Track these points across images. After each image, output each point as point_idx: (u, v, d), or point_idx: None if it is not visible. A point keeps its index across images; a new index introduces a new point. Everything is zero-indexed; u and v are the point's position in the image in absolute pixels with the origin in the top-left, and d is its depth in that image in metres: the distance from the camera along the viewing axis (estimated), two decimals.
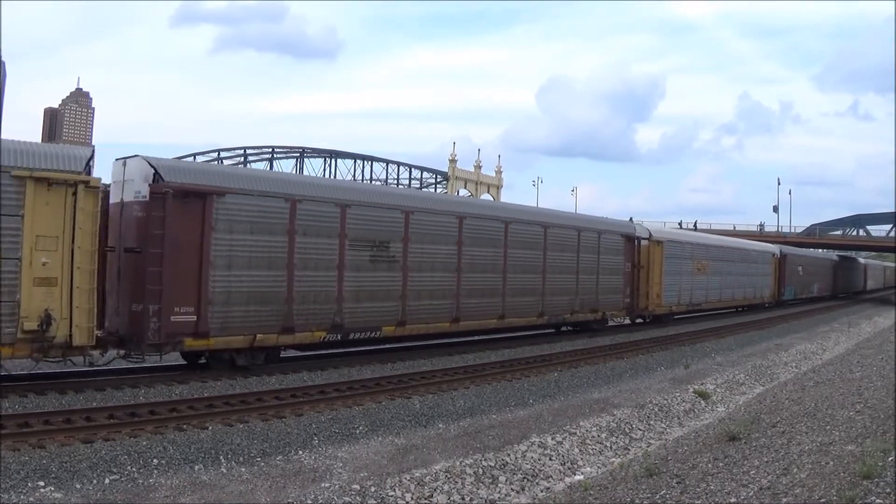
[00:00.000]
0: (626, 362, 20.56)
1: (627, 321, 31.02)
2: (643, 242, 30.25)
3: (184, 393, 13.54)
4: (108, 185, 14.68)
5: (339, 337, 17.17)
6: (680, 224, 79.45)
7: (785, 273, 50.36)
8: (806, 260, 58.78)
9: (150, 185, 14.06)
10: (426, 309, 19.45)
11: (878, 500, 7.19)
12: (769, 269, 47.77)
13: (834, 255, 74.50)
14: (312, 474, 9.43)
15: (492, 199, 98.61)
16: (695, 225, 79.86)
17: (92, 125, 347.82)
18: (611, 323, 28.93)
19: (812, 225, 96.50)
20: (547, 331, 25.85)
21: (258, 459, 9.98)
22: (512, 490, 10.01)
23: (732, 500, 8.40)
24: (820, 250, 76.24)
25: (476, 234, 21.16)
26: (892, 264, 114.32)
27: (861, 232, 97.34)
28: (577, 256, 25.71)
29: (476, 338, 22.67)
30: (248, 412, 12.23)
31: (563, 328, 26.59)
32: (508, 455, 10.94)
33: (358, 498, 8.72)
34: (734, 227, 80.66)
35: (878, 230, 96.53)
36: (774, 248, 51.08)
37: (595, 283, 26.60)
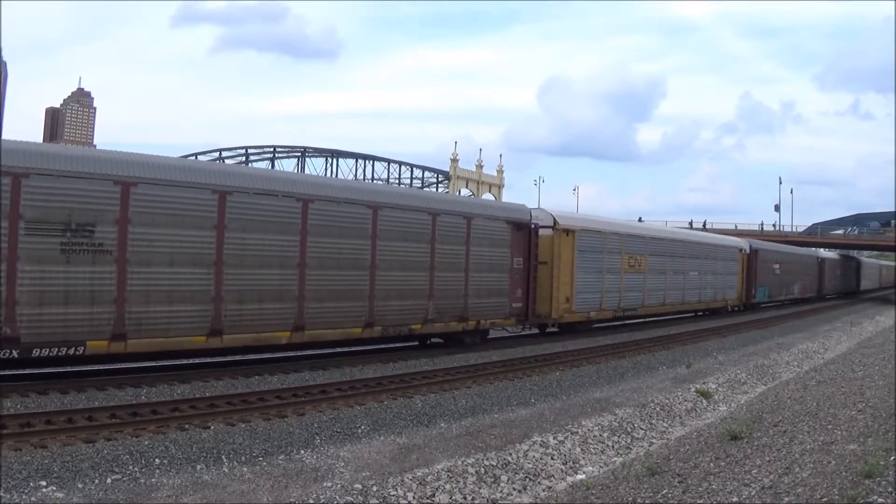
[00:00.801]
0: (628, 361, 20.56)
1: (527, 331, 25.22)
2: (544, 231, 24.29)
3: (186, 392, 13.54)
4: None
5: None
6: (690, 224, 79.55)
7: (756, 271, 44.13)
8: (784, 256, 51.77)
9: None
10: (163, 317, 14.27)
11: (879, 500, 7.20)
12: (735, 268, 41.81)
13: (822, 251, 69.75)
14: (314, 474, 9.43)
15: (493, 198, 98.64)
16: (703, 225, 79.98)
17: (93, 125, 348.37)
18: (494, 334, 23.26)
19: (813, 224, 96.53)
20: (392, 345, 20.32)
21: (260, 459, 9.98)
22: (514, 489, 10.01)
23: (734, 499, 8.40)
24: (822, 250, 75.11)
25: (254, 216, 15.50)
26: (891, 263, 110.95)
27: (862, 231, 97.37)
28: (431, 248, 19.63)
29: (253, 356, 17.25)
30: (250, 411, 12.24)
31: (415, 342, 20.79)
32: (510, 454, 10.94)
33: (360, 497, 8.72)
34: (735, 227, 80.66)
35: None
36: (742, 243, 44.93)
37: (463, 283, 20.65)
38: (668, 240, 35.00)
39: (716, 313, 39.09)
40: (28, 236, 12.51)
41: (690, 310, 37.64)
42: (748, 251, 43.93)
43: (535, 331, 25.92)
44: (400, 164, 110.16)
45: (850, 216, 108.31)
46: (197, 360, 16.54)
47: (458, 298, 20.58)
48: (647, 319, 32.57)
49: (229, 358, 16.76)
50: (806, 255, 60.37)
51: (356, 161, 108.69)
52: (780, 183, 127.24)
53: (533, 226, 23.42)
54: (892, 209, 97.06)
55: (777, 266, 48.82)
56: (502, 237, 22.23)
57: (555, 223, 24.94)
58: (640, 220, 71.52)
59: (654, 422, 14.24)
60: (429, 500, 9.08)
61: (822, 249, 72.66)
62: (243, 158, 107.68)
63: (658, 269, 32.05)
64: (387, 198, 19.42)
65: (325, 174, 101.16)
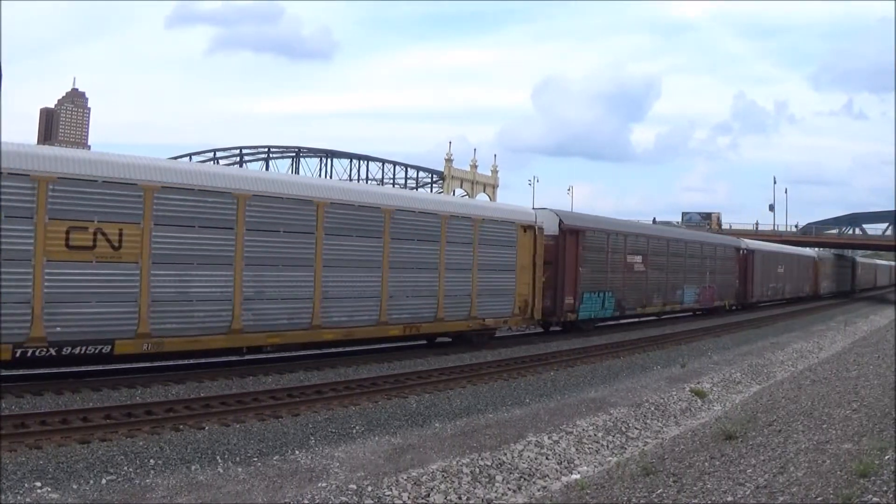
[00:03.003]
0: (622, 361, 20.58)
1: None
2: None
3: (180, 393, 13.52)
4: None
5: None
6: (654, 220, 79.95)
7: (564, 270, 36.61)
8: (657, 245, 37.63)
9: None
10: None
11: (874, 499, 7.20)
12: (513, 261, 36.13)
13: (807, 250, 65.76)
14: (309, 474, 9.42)
15: (488, 198, 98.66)
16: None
17: (88, 125, 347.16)
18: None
19: (808, 224, 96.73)
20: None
21: (255, 459, 9.97)
22: (509, 489, 10.01)
23: (729, 498, 8.41)
24: (810, 250, 74.23)
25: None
26: (888, 262, 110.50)
27: (857, 230, 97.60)
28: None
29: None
30: (244, 412, 12.22)
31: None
32: (505, 454, 10.94)
33: (355, 498, 8.72)
34: (730, 226, 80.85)
35: (875, 229, 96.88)
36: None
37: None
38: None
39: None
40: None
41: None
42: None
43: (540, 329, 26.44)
44: (394, 163, 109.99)
45: (846, 215, 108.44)
46: (193, 361, 16.51)
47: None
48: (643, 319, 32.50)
49: (226, 359, 16.73)
50: (721, 244, 42.29)
51: (350, 161, 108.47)
52: (775, 182, 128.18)
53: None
54: (887, 208, 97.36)
55: (640, 260, 31.12)
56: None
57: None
58: (654, 221, 72.32)
59: (648, 421, 14.26)
60: (424, 501, 9.08)
61: (747, 240, 55.11)
62: (237, 158, 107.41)
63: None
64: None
65: (320, 174, 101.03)
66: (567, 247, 25.31)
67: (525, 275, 22.82)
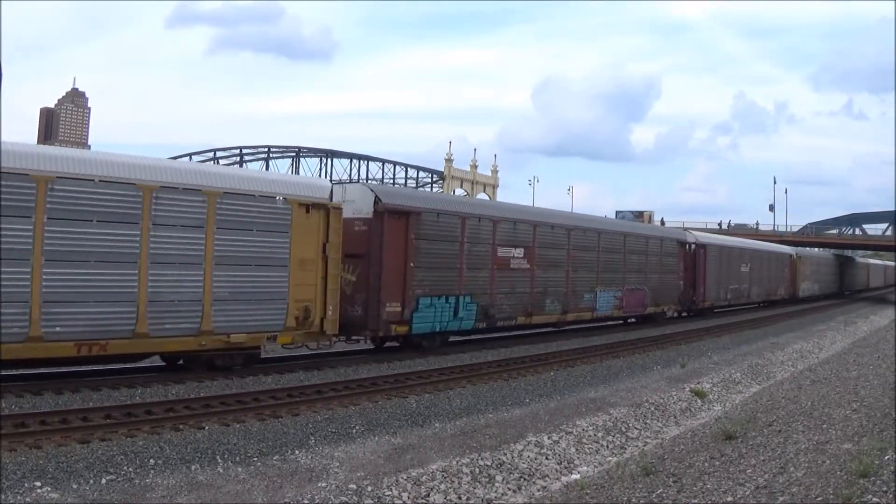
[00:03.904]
0: (622, 361, 20.58)
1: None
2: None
3: (180, 393, 13.52)
4: None
5: None
6: (719, 225, 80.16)
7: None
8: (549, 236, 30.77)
9: None
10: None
11: (874, 499, 7.21)
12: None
13: (783, 247, 55.21)
14: (309, 474, 9.42)
15: (488, 198, 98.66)
16: (729, 224, 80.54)
17: (88, 125, 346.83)
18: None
19: (808, 224, 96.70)
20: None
21: (255, 459, 9.97)
22: (508, 489, 10.01)
23: (729, 498, 8.41)
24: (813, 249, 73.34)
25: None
26: (882, 262, 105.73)
27: (857, 231, 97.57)
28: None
29: None
30: (244, 412, 12.22)
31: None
32: (505, 454, 10.94)
33: (355, 497, 8.72)
34: (706, 225, 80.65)
35: (875, 229, 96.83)
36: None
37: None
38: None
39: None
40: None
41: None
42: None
43: None
44: (395, 163, 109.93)
45: (846, 216, 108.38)
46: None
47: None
48: None
49: None
50: (656, 236, 33.97)
51: (350, 161, 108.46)
52: (775, 183, 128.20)
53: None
54: (887, 208, 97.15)
55: (520, 254, 23.59)
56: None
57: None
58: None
59: (648, 421, 14.26)
60: (423, 501, 9.08)
61: (697, 233, 43.44)
62: (237, 158, 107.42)
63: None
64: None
65: (320, 174, 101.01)
66: (389, 235, 18.74)
67: (306, 272, 16.49)
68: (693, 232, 38.95)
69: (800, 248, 60.95)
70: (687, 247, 35.11)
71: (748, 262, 43.30)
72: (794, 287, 53.21)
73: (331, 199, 17.14)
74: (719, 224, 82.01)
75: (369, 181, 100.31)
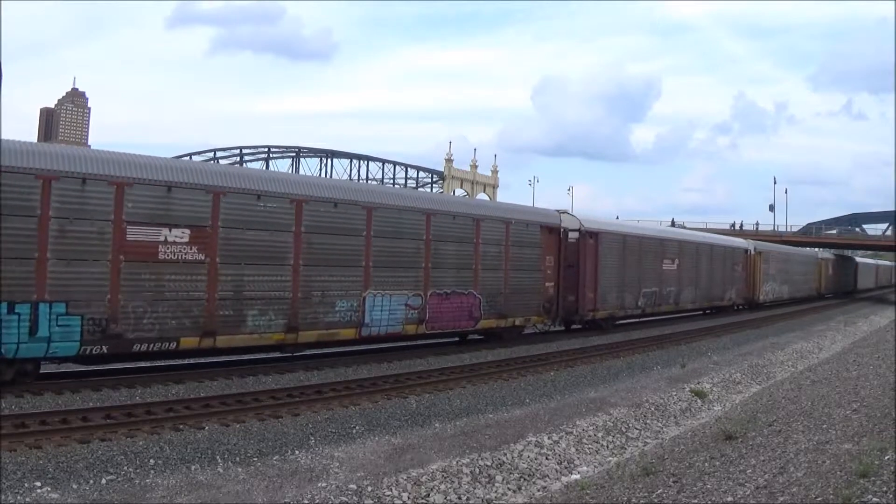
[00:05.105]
0: (622, 361, 20.57)
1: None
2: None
3: (180, 393, 13.52)
4: None
5: None
6: (732, 226, 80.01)
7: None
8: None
9: None
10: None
11: (874, 499, 7.21)
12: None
13: (736, 240, 46.28)
14: (309, 474, 9.42)
15: (488, 198, 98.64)
16: (741, 225, 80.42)
17: (88, 125, 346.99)
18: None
19: (808, 224, 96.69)
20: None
21: (255, 459, 9.96)
22: (508, 489, 10.01)
23: (729, 499, 8.41)
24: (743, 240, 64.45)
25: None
26: (873, 261, 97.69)
27: (857, 231, 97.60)
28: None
29: None
30: (244, 412, 12.22)
31: None
32: (505, 454, 10.94)
33: (355, 498, 8.72)
34: (706, 225, 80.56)
35: (875, 229, 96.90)
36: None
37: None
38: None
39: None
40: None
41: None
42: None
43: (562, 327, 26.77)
44: (395, 164, 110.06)
45: (846, 216, 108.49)
46: (193, 361, 16.52)
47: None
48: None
49: (224, 358, 16.74)
50: (493, 217, 22.95)
51: (350, 161, 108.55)
52: (775, 183, 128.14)
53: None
54: (887, 208, 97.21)
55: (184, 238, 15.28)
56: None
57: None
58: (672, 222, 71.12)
59: (648, 422, 14.26)
60: (423, 501, 9.08)
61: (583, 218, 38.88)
62: (237, 158, 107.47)
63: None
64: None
65: (320, 174, 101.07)
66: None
67: None
68: (572, 215, 27.58)
69: (761, 243, 50.26)
70: (562, 234, 25.19)
71: (675, 258, 33.55)
72: (752, 289, 43.70)
73: None
74: (732, 225, 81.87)
75: (370, 181, 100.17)
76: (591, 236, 27.02)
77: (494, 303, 21.91)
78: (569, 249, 25.61)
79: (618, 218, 54.35)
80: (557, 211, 27.01)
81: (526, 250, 23.37)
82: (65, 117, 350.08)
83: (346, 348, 19.02)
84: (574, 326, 27.39)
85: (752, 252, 44.36)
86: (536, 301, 23.66)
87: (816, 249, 73.40)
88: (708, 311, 38.91)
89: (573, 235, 26.08)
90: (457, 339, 22.30)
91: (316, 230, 16.89)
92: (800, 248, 61.78)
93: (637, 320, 31.47)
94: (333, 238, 17.36)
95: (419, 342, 20.55)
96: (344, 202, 17.67)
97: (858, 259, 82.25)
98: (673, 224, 74.38)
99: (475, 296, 21.26)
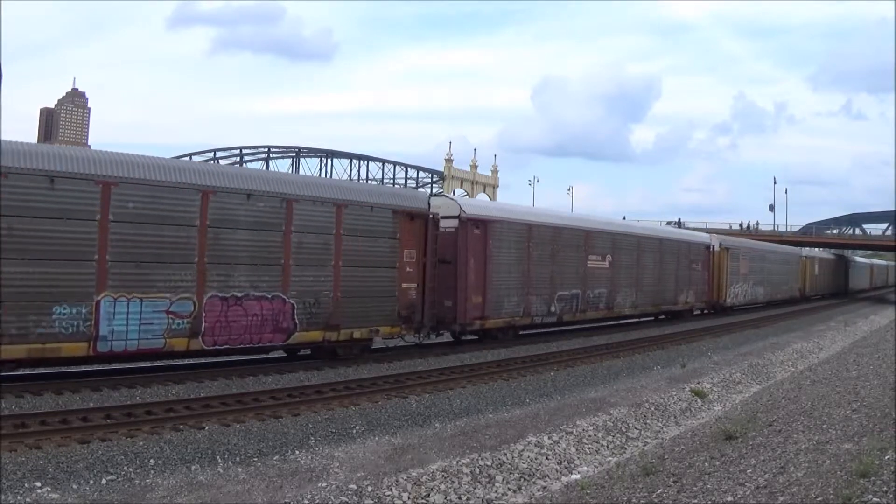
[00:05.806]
0: (622, 361, 20.58)
1: None
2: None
3: (180, 393, 13.52)
4: None
5: None
6: (741, 225, 80.00)
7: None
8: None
9: None
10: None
11: (874, 499, 7.20)
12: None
13: (701, 234, 40.93)
14: (309, 474, 9.42)
15: (488, 198, 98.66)
16: (749, 226, 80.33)
17: (88, 125, 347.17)
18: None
19: (808, 224, 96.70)
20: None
21: (255, 459, 9.96)
22: (509, 489, 10.01)
23: (729, 498, 8.41)
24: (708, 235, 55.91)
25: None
26: (866, 260, 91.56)
27: (857, 231, 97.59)
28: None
29: None
30: (244, 412, 12.22)
31: None
32: (505, 454, 10.93)
33: (355, 498, 8.72)
34: (730, 227, 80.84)
35: (875, 229, 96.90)
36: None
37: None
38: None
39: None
40: None
41: None
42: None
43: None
44: (394, 163, 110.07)
45: (846, 216, 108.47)
46: (194, 361, 16.51)
47: None
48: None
49: (226, 359, 16.73)
50: (318, 197, 17.22)
51: (350, 161, 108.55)
52: (775, 183, 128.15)
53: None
54: (886, 208, 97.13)
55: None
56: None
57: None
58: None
59: (648, 421, 14.26)
60: (423, 501, 9.08)
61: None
62: (237, 158, 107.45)
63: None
64: None
65: (320, 174, 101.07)
66: None
67: None
68: (451, 199, 23.16)
69: (730, 238, 44.68)
70: (430, 222, 19.66)
71: (607, 254, 27.94)
72: (716, 292, 38.10)
73: None
74: (740, 224, 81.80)
75: (370, 181, 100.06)
76: (477, 225, 21.53)
77: (318, 310, 16.76)
78: (442, 242, 20.15)
79: (624, 218, 49.67)
80: (437, 195, 21.55)
81: (370, 241, 17.97)
82: (65, 117, 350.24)
83: (178, 361, 15.55)
84: (469, 338, 22.17)
85: (717, 248, 38.31)
86: (389, 307, 18.39)
87: (816, 249, 73.33)
88: (661, 317, 33.78)
89: (448, 224, 20.60)
90: (267, 355, 17.32)
91: (19, 213, 12.52)
92: (779, 244, 54.97)
93: (551, 329, 25.68)
94: (47, 224, 12.83)
95: (198, 361, 15.96)
96: (65, 176, 13.03)
97: (850, 257, 77.10)
98: (679, 224, 74.07)
99: (285, 300, 16.20)
